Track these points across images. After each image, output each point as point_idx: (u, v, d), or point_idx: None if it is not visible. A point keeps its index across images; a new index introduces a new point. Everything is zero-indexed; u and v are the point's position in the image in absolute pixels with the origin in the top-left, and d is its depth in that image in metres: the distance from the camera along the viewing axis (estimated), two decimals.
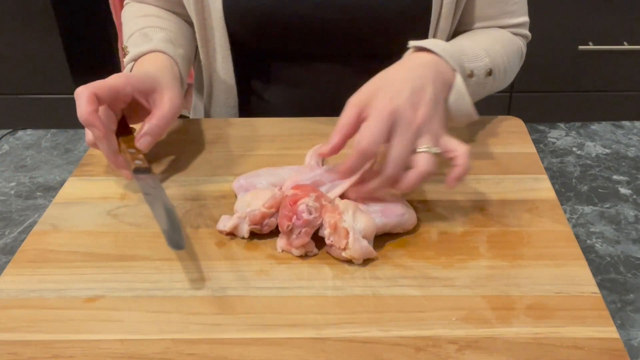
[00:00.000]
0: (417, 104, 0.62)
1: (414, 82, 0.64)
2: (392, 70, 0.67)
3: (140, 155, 0.69)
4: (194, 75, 1.02)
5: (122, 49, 0.85)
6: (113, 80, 0.69)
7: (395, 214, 0.63)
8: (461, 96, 0.68)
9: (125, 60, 0.81)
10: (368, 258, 0.60)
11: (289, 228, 0.60)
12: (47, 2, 1.95)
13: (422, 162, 0.61)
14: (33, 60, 2.06)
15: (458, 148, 0.62)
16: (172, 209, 0.63)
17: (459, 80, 0.68)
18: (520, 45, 0.86)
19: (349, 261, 0.60)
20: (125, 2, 0.96)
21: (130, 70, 0.80)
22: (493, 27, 0.86)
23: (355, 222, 0.60)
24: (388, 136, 0.60)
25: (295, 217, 0.60)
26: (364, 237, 0.59)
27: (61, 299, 0.57)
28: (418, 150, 0.61)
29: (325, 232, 0.60)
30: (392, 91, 0.62)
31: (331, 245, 0.60)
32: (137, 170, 0.68)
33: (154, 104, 0.72)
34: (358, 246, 0.58)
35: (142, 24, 0.86)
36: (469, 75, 0.72)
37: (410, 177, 0.61)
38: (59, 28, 2.00)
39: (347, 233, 0.58)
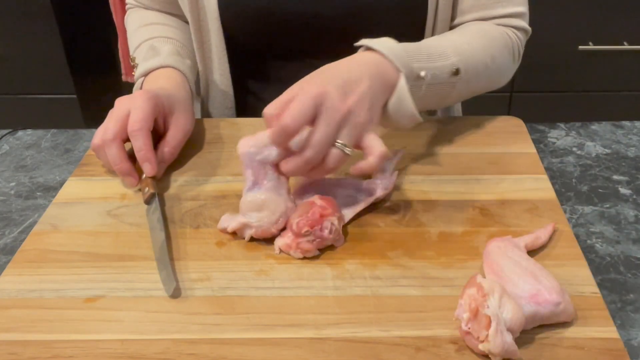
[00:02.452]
0: (348, 92, 0.61)
1: (350, 73, 0.63)
2: (333, 64, 0.66)
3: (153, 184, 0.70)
4: None
5: (131, 59, 0.85)
6: (150, 95, 0.70)
7: (549, 301, 0.53)
8: (402, 97, 0.66)
9: (135, 75, 0.82)
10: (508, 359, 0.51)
11: (306, 232, 0.60)
12: (47, 2, 1.95)
13: (331, 160, 0.60)
14: (33, 60, 2.06)
15: (376, 147, 0.61)
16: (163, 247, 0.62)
17: (401, 82, 0.66)
18: (510, 39, 0.82)
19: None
20: (127, 7, 0.96)
21: (141, 85, 0.80)
22: (484, 20, 0.83)
23: (501, 310, 0.51)
24: (312, 118, 0.59)
25: (319, 228, 0.60)
26: (509, 329, 0.50)
27: (61, 299, 0.57)
28: (335, 143, 0.60)
29: (464, 316, 0.51)
30: (325, 77, 0.62)
31: (467, 333, 0.51)
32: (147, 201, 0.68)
33: (168, 126, 0.73)
34: (500, 341, 0.49)
35: (148, 34, 0.87)
36: (419, 77, 0.69)
37: (315, 172, 0.62)
38: (59, 28, 1.99)
39: (490, 322, 0.50)
